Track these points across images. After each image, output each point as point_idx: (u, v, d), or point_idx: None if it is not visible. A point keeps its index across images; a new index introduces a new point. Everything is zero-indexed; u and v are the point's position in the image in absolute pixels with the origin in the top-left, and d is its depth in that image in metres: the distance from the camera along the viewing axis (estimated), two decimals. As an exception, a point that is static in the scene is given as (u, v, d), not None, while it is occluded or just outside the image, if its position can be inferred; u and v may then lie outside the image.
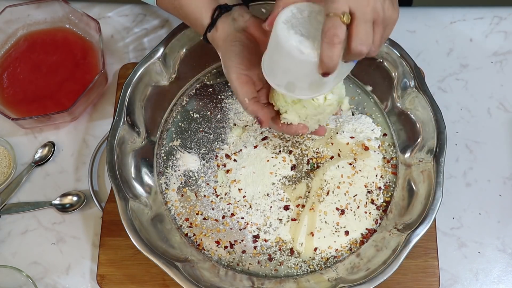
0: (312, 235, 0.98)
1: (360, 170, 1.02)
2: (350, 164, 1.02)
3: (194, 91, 1.10)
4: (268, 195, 1.00)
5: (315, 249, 0.98)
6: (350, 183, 1.01)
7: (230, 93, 1.09)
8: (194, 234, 0.99)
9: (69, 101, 1.05)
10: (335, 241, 0.98)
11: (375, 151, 1.04)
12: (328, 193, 1.00)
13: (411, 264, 0.96)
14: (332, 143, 1.04)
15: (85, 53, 1.11)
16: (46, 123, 1.08)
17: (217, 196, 1.02)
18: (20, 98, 1.08)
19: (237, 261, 0.97)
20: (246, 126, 1.06)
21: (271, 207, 1.00)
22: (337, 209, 1.00)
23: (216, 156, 1.05)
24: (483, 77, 1.14)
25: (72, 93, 1.07)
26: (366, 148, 1.04)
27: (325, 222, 0.99)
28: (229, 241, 0.98)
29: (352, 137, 1.04)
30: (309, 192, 1.01)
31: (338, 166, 1.01)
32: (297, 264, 0.97)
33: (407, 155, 1.02)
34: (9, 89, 1.09)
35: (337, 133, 1.04)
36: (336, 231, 0.98)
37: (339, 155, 1.03)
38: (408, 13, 1.19)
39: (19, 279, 0.95)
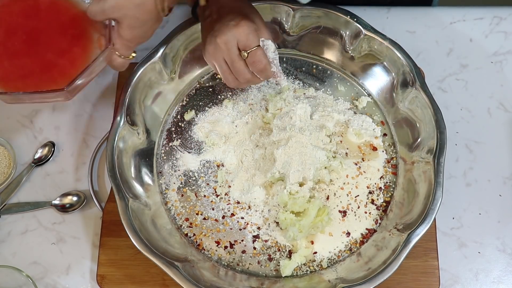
0: (312, 243, 0.98)
1: (364, 172, 1.02)
2: (356, 164, 1.02)
3: (194, 91, 1.10)
4: (266, 199, 1.00)
5: (315, 252, 0.98)
6: (354, 184, 1.01)
7: (230, 93, 1.09)
8: (194, 234, 0.99)
9: (61, 77, 0.85)
10: (335, 244, 0.98)
11: (383, 151, 1.04)
12: (328, 197, 1.00)
13: (411, 264, 0.96)
14: (341, 141, 1.04)
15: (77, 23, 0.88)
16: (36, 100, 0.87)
17: (217, 196, 1.02)
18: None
19: (237, 261, 0.97)
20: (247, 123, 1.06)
21: (269, 210, 1.00)
22: (339, 211, 1.00)
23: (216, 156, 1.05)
24: (483, 77, 1.13)
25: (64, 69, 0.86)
26: (375, 149, 1.04)
27: (328, 233, 0.99)
28: (229, 241, 0.98)
29: (359, 135, 1.04)
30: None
31: (343, 165, 1.01)
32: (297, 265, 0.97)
33: (407, 155, 1.02)
34: None
35: (348, 127, 1.04)
36: (337, 235, 0.98)
37: (346, 154, 1.03)
38: (408, 13, 1.19)
39: (19, 279, 0.94)
